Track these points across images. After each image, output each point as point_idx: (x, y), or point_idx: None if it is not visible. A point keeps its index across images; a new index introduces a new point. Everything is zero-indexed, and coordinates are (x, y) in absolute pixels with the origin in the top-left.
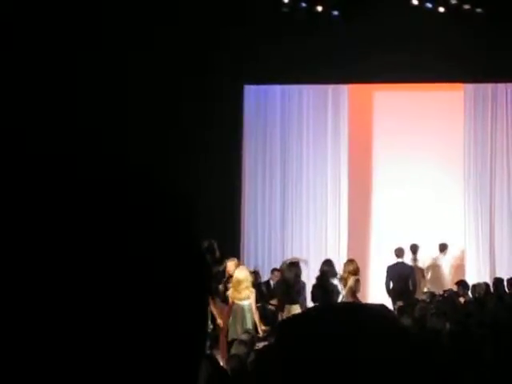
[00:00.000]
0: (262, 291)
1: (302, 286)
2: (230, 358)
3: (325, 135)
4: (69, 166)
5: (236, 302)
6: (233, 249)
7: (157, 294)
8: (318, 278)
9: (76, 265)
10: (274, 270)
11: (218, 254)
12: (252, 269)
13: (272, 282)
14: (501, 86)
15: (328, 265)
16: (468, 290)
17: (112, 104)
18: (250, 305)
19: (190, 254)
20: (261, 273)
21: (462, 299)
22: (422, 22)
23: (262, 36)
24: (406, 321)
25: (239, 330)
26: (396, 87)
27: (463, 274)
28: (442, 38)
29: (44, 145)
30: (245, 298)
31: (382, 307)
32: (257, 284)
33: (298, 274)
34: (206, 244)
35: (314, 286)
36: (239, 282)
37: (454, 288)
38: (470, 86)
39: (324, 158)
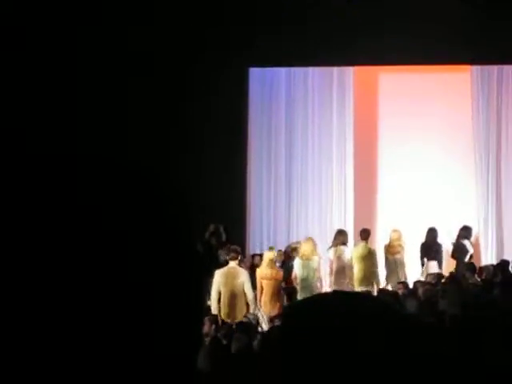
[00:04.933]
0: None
1: (439, 246)
2: (235, 340)
3: (330, 117)
4: (68, 164)
5: (389, 256)
6: (238, 231)
7: (149, 289)
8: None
9: (71, 261)
10: (278, 251)
11: (224, 237)
12: (258, 251)
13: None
14: (507, 68)
15: (465, 229)
16: (475, 272)
17: (113, 94)
18: (401, 259)
19: (180, 248)
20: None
21: (468, 281)
22: (428, 3)
23: (266, 18)
24: (412, 303)
25: (394, 279)
26: (402, 69)
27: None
28: (448, 20)
29: (44, 144)
30: (396, 252)
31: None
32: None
33: (435, 237)
34: (212, 228)
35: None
36: (393, 241)
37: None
38: (476, 68)
39: (329, 141)
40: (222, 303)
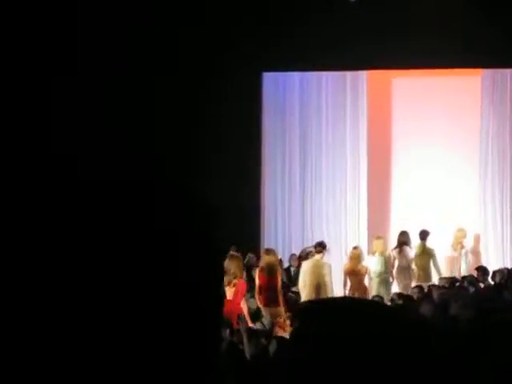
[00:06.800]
0: (282, 278)
1: None
2: (250, 345)
3: (344, 122)
4: (86, 166)
5: (453, 253)
6: (253, 234)
7: (169, 293)
8: None
9: (87, 260)
10: (292, 254)
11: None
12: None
13: (292, 269)
14: None
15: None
16: (488, 275)
17: (127, 97)
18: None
19: (204, 253)
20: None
21: (481, 285)
22: (441, 8)
23: (279, 23)
24: (426, 307)
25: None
26: (414, 73)
27: (481, 259)
28: (459, 24)
29: (67, 147)
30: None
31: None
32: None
33: None
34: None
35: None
36: (457, 239)
37: (474, 274)
38: (487, 72)
39: (343, 145)
40: (306, 292)
